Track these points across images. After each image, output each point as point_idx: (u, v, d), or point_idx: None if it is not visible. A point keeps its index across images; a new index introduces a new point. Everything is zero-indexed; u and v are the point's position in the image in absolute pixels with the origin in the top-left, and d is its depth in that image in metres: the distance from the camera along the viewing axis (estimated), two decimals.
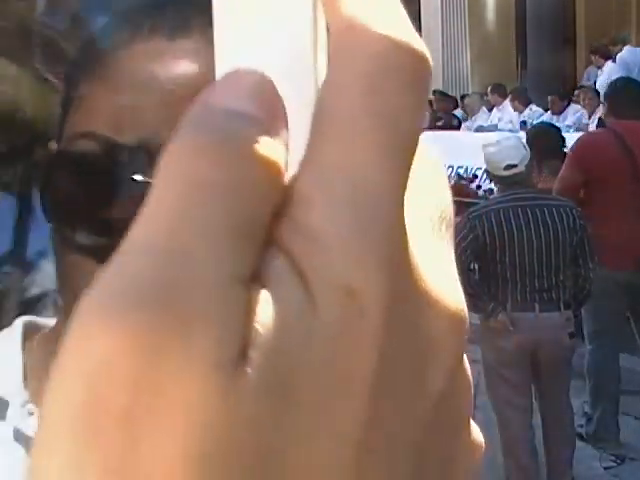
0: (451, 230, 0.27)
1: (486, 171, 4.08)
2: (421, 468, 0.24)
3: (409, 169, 0.24)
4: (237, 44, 0.24)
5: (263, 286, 0.22)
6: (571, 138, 6.60)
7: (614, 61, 10.21)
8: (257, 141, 0.22)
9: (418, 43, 0.24)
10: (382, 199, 0.23)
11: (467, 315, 0.25)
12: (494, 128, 9.83)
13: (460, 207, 5.34)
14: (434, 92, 12.33)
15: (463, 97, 11.97)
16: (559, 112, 9.63)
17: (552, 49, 11.61)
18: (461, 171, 8.73)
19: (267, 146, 0.22)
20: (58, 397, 0.20)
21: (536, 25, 11.83)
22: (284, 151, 0.22)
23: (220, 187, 0.21)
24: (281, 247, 0.22)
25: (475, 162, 7.87)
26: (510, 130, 8.73)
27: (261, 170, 0.22)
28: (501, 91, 11.05)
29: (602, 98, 9.11)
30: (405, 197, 0.24)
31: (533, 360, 3.95)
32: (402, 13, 0.25)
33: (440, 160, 0.29)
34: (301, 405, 0.21)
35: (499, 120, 10.60)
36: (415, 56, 0.24)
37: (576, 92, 9.87)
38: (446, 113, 11.64)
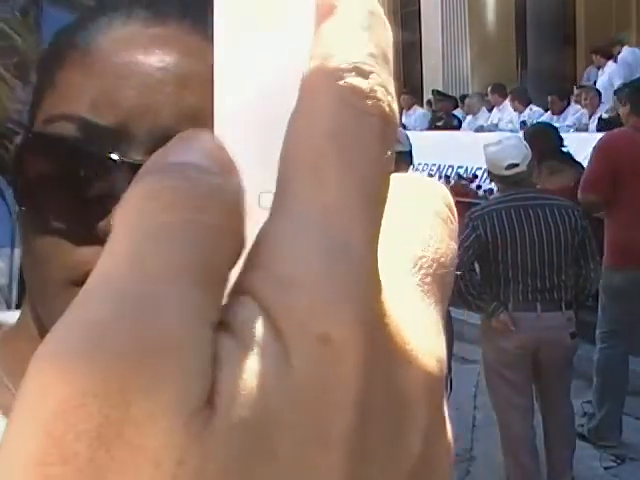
0: (437, 267, 0.26)
1: (487, 171, 4.07)
2: None
3: (381, 215, 0.23)
4: (236, 59, 0.24)
5: (232, 334, 0.21)
6: (571, 138, 6.61)
7: (615, 61, 10.20)
8: (211, 186, 0.22)
9: (387, 92, 0.23)
10: (355, 247, 0.22)
11: (444, 369, 0.25)
12: (494, 128, 9.82)
13: (460, 207, 5.33)
14: (434, 92, 12.34)
15: (463, 97, 11.96)
16: (559, 112, 9.63)
17: (552, 49, 11.61)
18: (461, 171, 8.73)
19: (221, 190, 0.22)
20: (13, 445, 0.19)
21: (536, 25, 11.83)
22: (239, 199, 0.22)
23: (176, 229, 0.21)
24: (252, 295, 0.22)
25: (475, 162, 7.87)
26: (510, 130, 8.72)
27: (217, 214, 0.21)
28: (501, 91, 11.05)
29: (603, 98, 9.15)
30: (381, 239, 0.23)
31: (534, 360, 3.95)
32: (385, 50, 0.24)
33: (431, 186, 0.28)
34: (276, 457, 0.21)
35: (499, 120, 10.59)
36: (383, 107, 0.23)
37: (576, 92, 9.86)
38: (446, 113, 11.65)
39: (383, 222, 0.24)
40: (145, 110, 0.64)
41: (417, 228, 0.26)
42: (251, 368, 0.21)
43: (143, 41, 0.67)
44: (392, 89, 0.24)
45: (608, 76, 10.05)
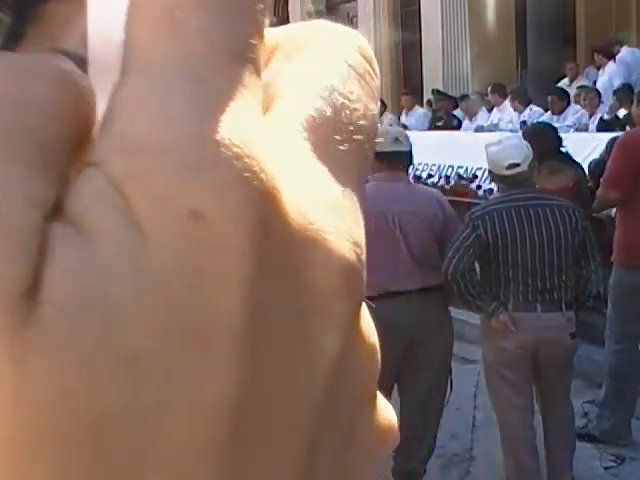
0: (353, 130, 0.22)
1: (488, 171, 4.06)
2: (315, 439, 0.20)
3: (257, 69, 0.20)
4: None
5: (72, 219, 0.18)
6: (571, 138, 6.61)
7: (616, 61, 10.20)
8: (53, 64, 0.19)
9: None
10: (227, 105, 0.19)
11: (362, 254, 0.21)
12: (494, 128, 9.83)
13: (461, 207, 5.35)
14: (434, 92, 12.33)
15: (463, 97, 11.96)
16: (559, 112, 9.63)
17: (552, 49, 11.60)
18: (461, 171, 8.73)
19: (46, 63, 0.19)
20: None
21: (536, 25, 11.82)
22: (70, 72, 0.20)
23: (5, 99, 0.19)
24: (99, 167, 0.19)
25: (475, 162, 7.87)
26: (510, 130, 8.72)
27: (43, 85, 0.19)
28: (501, 91, 11.05)
29: (603, 98, 9.14)
30: (276, 98, 0.20)
31: (534, 360, 3.95)
32: None
33: (346, 35, 0.24)
34: (126, 350, 0.17)
35: (499, 120, 10.59)
36: None
37: (576, 91, 9.86)
38: (446, 113, 11.64)
39: (279, 77, 0.21)
40: None
41: (324, 84, 0.22)
42: (92, 255, 0.18)
43: None
44: None
45: (608, 76, 10.05)
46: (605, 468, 4.52)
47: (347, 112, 0.22)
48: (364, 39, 0.24)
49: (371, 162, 0.23)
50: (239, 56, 0.20)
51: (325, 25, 0.24)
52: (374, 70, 0.23)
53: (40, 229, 0.18)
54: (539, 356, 3.94)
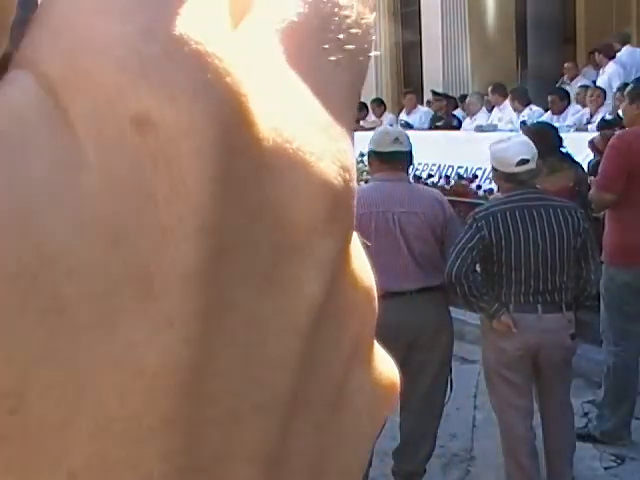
0: (345, 39, 0.19)
1: (493, 170, 4.04)
2: (292, 408, 0.17)
3: None
4: None
5: None
6: (571, 138, 6.60)
7: (617, 62, 10.19)
8: None
9: None
10: None
11: (351, 181, 0.18)
12: (494, 128, 9.82)
13: (461, 207, 5.35)
14: (434, 92, 12.33)
15: (463, 97, 11.96)
16: (559, 112, 9.63)
17: (552, 49, 11.60)
18: (461, 171, 8.72)
19: None
20: None
21: (536, 25, 11.82)
22: None
23: None
24: (30, 67, 0.15)
25: (475, 162, 7.87)
26: (510, 130, 8.71)
27: None
28: (501, 91, 11.05)
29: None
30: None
31: (534, 361, 3.95)
32: None
33: None
34: (61, 316, 0.15)
35: (499, 120, 10.59)
36: None
37: (577, 90, 9.85)
38: (446, 113, 11.64)
39: None
40: None
41: None
42: (19, 175, 0.15)
43: None
44: None
45: (608, 76, 10.04)
46: (605, 468, 4.52)
47: (336, 19, 0.18)
48: None
49: (365, 76, 0.20)
50: None
51: None
52: None
53: None
54: (539, 357, 3.93)
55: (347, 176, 0.17)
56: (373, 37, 0.20)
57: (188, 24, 0.15)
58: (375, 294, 0.20)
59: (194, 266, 0.15)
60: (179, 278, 0.15)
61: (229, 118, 0.15)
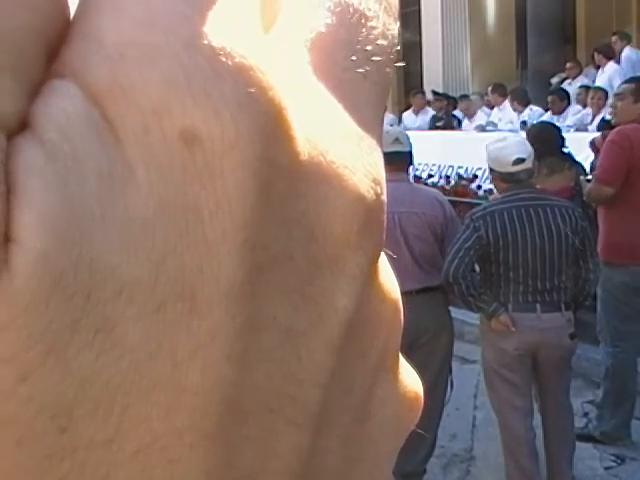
0: (372, 51, 0.18)
1: (490, 170, 4.05)
2: (322, 418, 0.17)
3: None
4: None
5: (41, 139, 0.15)
6: (571, 138, 6.60)
7: (617, 62, 10.18)
8: None
9: None
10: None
11: (382, 194, 0.17)
12: (494, 128, 9.82)
13: (461, 207, 5.35)
14: (434, 92, 12.33)
15: (463, 97, 11.96)
16: (559, 112, 9.62)
17: (552, 49, 11.60)
18: (461, 171, 8.73)
19: None
20: None
21: (536, 25, 11.82)
22: None
23: None
24: (73, 77, 0.15)
25: (475, 162, 7.87)
26: (510, 130, 8.72)
27: None
28: (501, 91, 11.05)
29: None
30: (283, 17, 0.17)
31: (534, 361, 3.95)
32: None
33: None
34: (110, 334, 0.15)
35: (499, 120, 10.59)
36: None
37: (578, 91, 9.85)
38: (446, 113, 11.64)
39: None
40: None
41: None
42: (68, 192, 0.14)
43: None
44: None
45: (608, 76, 10.04)
46: (605, 468, 4.52)
47: (363, 30, 0.18)
48: None
49: (389, 87, 0.19)
50: None
51: None
52: None
53: (3, 150, 0.14)
54: (538, 357, 3.93)
55: (378, 189, 0.17)
56: (398, 47, 0.20)
57: (229, 36, 0.15)
58: (401, 306, 0.20)
59: (237, 282, 0.15)
60: (222, 294, 0.15)
61: (271, 132, 0.15)
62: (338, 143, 0.17)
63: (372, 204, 0.17)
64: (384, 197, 0.18)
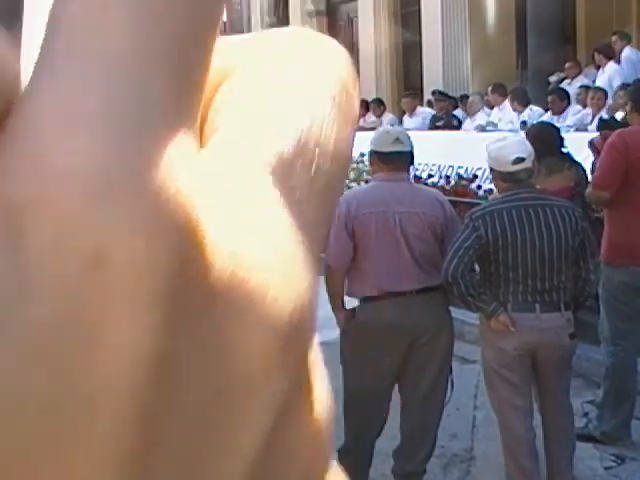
0: (320, 163, 0.18)
1: (490, 170, 4.04)
2: None
3: (202, 77, 0.16)
4: None
5: None
6: (571, 138, 6.60)
7: (617, 62, 10.19)
8: None
9: None
10: (155, 115, 0.15)
11: (309, 311, 0.17)
12: (494, 128, 9.82)
13: (461, 207, 5.35)
14: (434, 92, 12.33)
15: (463, 97, 11.96)
16: (559, 112, 9.62)
17: (552, 49, 11.60)
18: (461, 171, 8.73)
19: None
20: None
21: (536, 25, 11.82)
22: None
23: None
24: None
25: (475, 162, 7.87)
26: (510, 130, 8.72)
27: None
28: (501, 91, 11.05)
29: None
30: (235, 122, 0.17)
31: (533, 361, 3.95)
32: None
33: (330, 53, 0.20)
34: None
35: (499, 120, 10.59)
36: None
37: (577, 91, 9.85)
38: (446, 113, 11.65)
39: (245, 96, 0.18)
40: None
41: (300, 109, 0.18)
42: None
43: None
44: None
45: (608, 76, 10.04)
46: (605, 468, 4.52)
47: (316, 150, 0.18)
48: (342, 51, 0.20)
49: (339, 197, 0.19)
50: (181, 53, 0.16)
51: (295, 37, 0.20)
52: (354, 88, 0.20)
53: None
54: (538, 357, 3.93)
55: (303, 316, 0.17)
56: (351, 154, 0.19)
57: (153, 157, 0.15)
58: (331, 416, 0.19)
59: (134, 397, 0.15)
60: (117, 409, 0.15)
61: (186, 251, 0.15)
62: (266, 266, 0.16)
63: (293, 334, 0.17)
64: (309, 323, 0.17)
